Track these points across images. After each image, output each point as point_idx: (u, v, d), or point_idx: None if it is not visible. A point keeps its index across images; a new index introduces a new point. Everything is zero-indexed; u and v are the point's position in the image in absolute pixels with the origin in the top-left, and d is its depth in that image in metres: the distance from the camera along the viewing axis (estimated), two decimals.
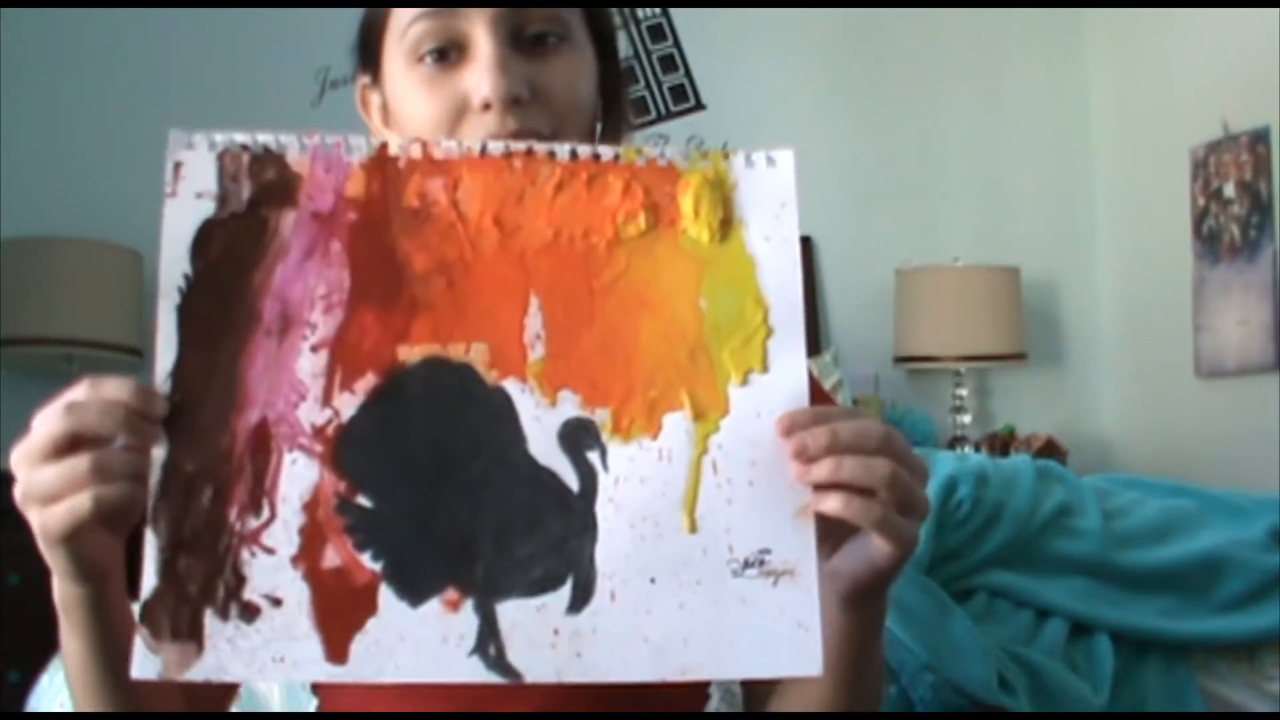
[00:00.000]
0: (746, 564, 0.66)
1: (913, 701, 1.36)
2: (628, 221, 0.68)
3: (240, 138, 0.68)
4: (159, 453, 0.65)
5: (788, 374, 0.68)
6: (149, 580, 0.64)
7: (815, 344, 3.42)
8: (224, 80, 3.12)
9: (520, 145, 0.69)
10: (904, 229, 3.57)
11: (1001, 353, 3.38)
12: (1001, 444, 3.34)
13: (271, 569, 0.65)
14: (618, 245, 0.68)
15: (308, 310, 0.67)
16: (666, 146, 0.69)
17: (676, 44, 3.47)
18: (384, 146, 0.68)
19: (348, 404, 0.66)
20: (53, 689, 1.31)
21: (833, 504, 0.65)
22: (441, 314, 0.67)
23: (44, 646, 1.39)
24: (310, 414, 0.66)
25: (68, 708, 1.24)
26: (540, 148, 0.69)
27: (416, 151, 0.68)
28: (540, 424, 0.66)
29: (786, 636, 0.65)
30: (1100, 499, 1.67)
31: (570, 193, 0.68)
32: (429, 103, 0.82)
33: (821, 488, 0.66)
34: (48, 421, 0.65)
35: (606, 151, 0.69)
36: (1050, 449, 3.25)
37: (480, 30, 0.81)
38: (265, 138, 0.68)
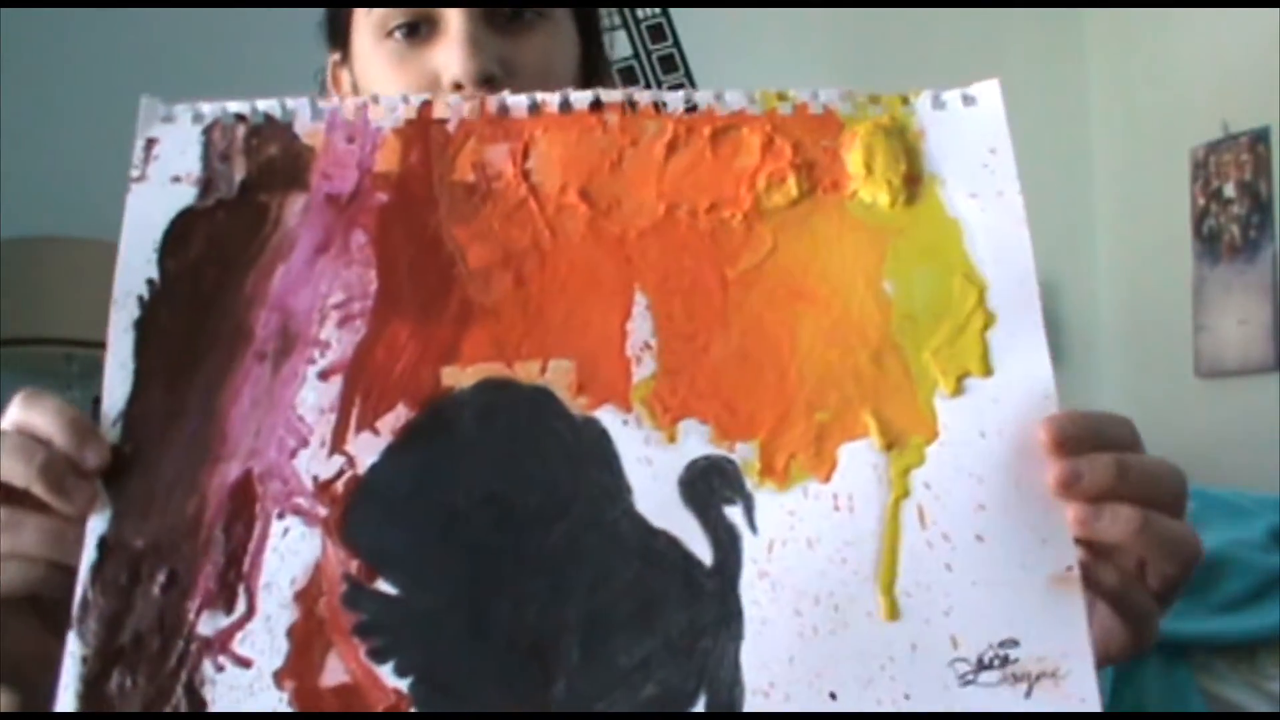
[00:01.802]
0: (981, 664, 0.44)
1: None
2: (773, 187, 0.51)
3: (235, 106, 0.55)
4: (96, 523, 0.48)
5: (1024, 374, 0.49)
6: (64, 703, 0.47)
7: None
8: (224, 80, 3.12)
9: (615, 95, 0.52)
10: None
11: None
12: None
13: (245, 689, 0.45)
14: (759, 219, 0.51)
15: (317, 324, 0.50)
16: (820, 89, 0.53)
17: (676, 44, 3.46)
18: (427, 105, 0.53)
19: (368, 447, 0.48)
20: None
21: (1109, 577, 0.46)
22: (506, 322, 0.49)
23: None
24: (313, 464, 0.48)
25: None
26: (643, 97, 0.52)
27: (471, 110, 0.52)
28: (653, 468, 0.47)
29: None
30: None
31: (689, 154, 0.52)
32: (397, 82, 0.77)
33: (1093, 545, 0.47)
34: None
35: (736, 97, 0.52)
36: None
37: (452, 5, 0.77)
38: (268, 104, 0.55)
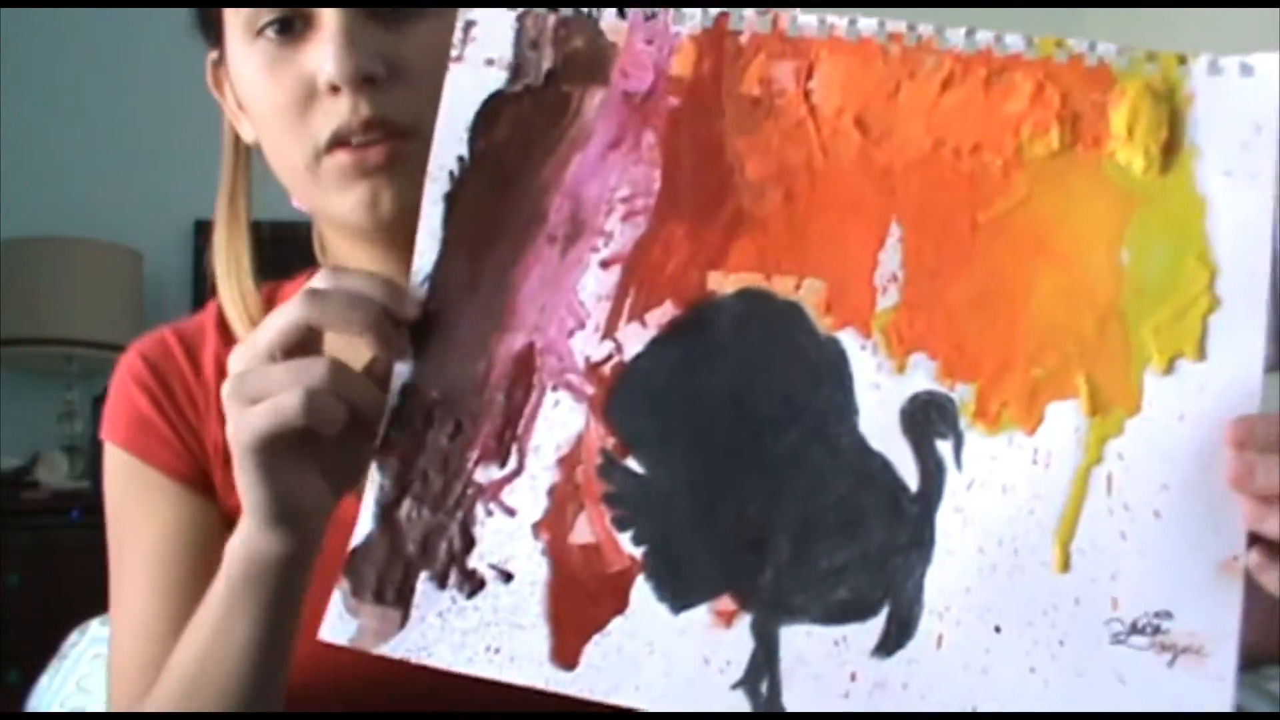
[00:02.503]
0: (1134, 628, 0.48)
1: None
2: (1036, 136, 0.52)
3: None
4: (401, 369, 0.54)
5: (1234, 365, 0.49)
6: (364, 525, 0.54)
7: None
8: None
9: (898, 25, 0.53)
10: None
11: None
12: None
13: (508, 534, 0.53)
14: (1018, 167, 0.51)
15: (604, 215, 0.54)
16: (1098, 42, 0.53)
17: None
18: (724, 15, 0.54)
19: (635, 338, 0.53)
20: (52, 689, 1.31)
21: (1275, 575, 0.47)
22: (772, 235, 0.52)
23: (44, 646, 1.40)
24: (587, 345, 0.53)
25: (68, 708, 1.24)
26: (925, 29, 0.53)
27: (764, 25, 0.54)
28: (880, 393, 0.51)
29: None
30: None
31: (961, 93, 0.52)
32: (272, 86, 0.69)
33: (1266, 543, 0.47)
34: (280, 313, 0.54)
35: (1015, 40, 0.54)
36: None
37: None
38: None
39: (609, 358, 0.53)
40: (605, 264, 0.54)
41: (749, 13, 0.54)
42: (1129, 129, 0.51)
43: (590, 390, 0.53)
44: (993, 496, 0.50)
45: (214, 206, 0.83)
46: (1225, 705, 0.47)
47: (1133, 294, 0.50)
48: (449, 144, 0.55)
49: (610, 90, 0.55)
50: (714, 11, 0.55)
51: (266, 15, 0.69)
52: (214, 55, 0.78)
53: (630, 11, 0.55)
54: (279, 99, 0.69)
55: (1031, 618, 0.49)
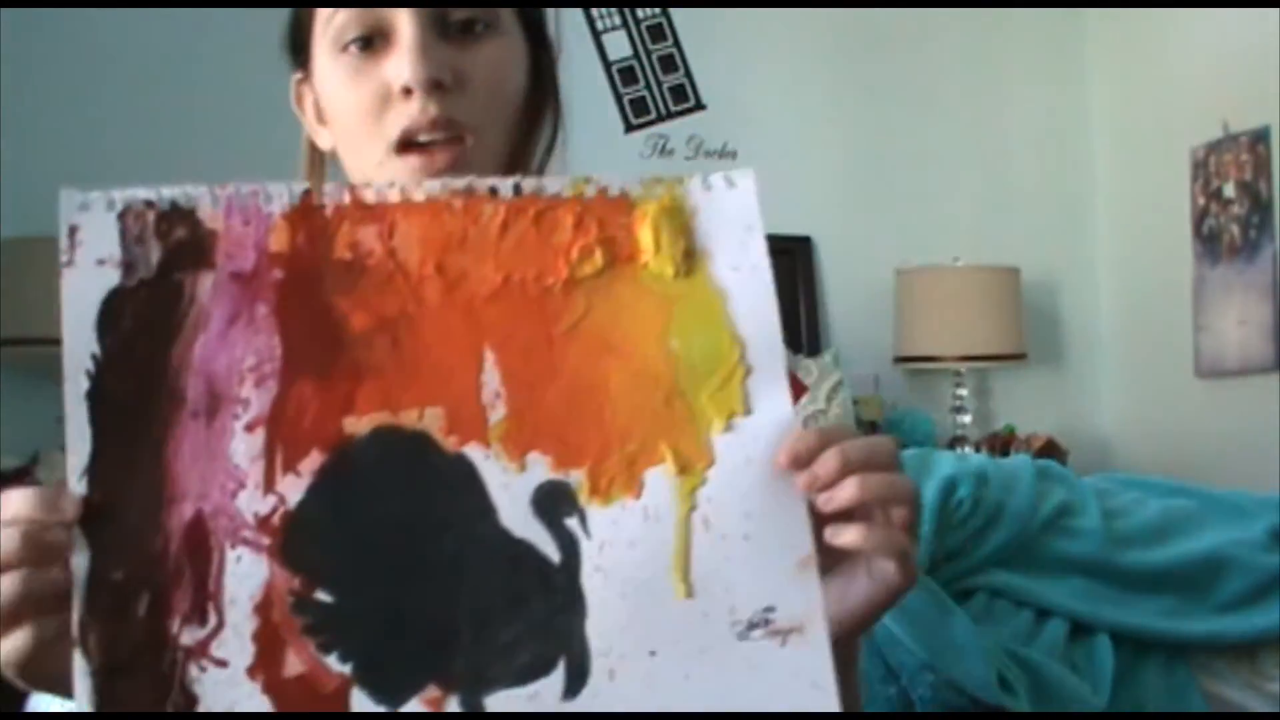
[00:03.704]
0: (751, 625, 0.60)
1: (913, 701, 1.36)
2: (583, 259, 0.62)
3: (143, 193, 0.61)
4: (81, 561, 0.57)
5: (773, 414, 0.62)
6: (84, 707, 0.57)
7: (815, 344, 3.42)
8: (224, 80, 3.12)
9: (459, 183, 0.63)
10: (904, 229, 3.57)
11: (1001, 353, 3.38)
12: (1002, 444, 3.34)
13: (225, 684, 0.57)
14: (575, 286, 0.62)
15: (237, 385, 0.60)
16: (615, 177, 0.64)
17: (676, 44, 3.47)
18: (308, 194, 0.62)
19: (293, 488, 0.59)
20: None
21: (851, 536, 0.62)
22: (389, 378, 0.61)
23: None
24: (251, 503, 0.59)
25: (68, 708, 1.24)
26: (480, 184, 0.63)
27: (344, 196, 0.62)
28: (510, 492, 0.60)
29: (802, 699, 0.60)
30: (1100, 499, 1.67)
31: (517, 232, 0.62)
32: (354, 93, 0.81)
33: (837, 519, 0.62)
34: None
35: (552, 184, 0.64)
36: (1050, 449, 3.25)
37: (403, 17, 0.80)
38: (172, 192, 0.61)
39: (275, 509, 0.59)
40: (249, 428, 0.60)
41: (328, 187, 0.62)
42: (655, 243, 0.63)
43: (266, 541, 0.59)
44: (621, 552, 0.61)
45: None
46: (827, 665, 0.60)
47: (686, 373, 0.62)
48: (79, 345, 0.59)
49: (218, 273, 0.61)
50: (298, 189, 0.62)
51: (351, 32, 0.81)
52: (298, 75, 0.90)
53: (222, 198, 0.61)
54: (359, 103, 0.81)
55: (675, 638, 0.60)
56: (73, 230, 0.60)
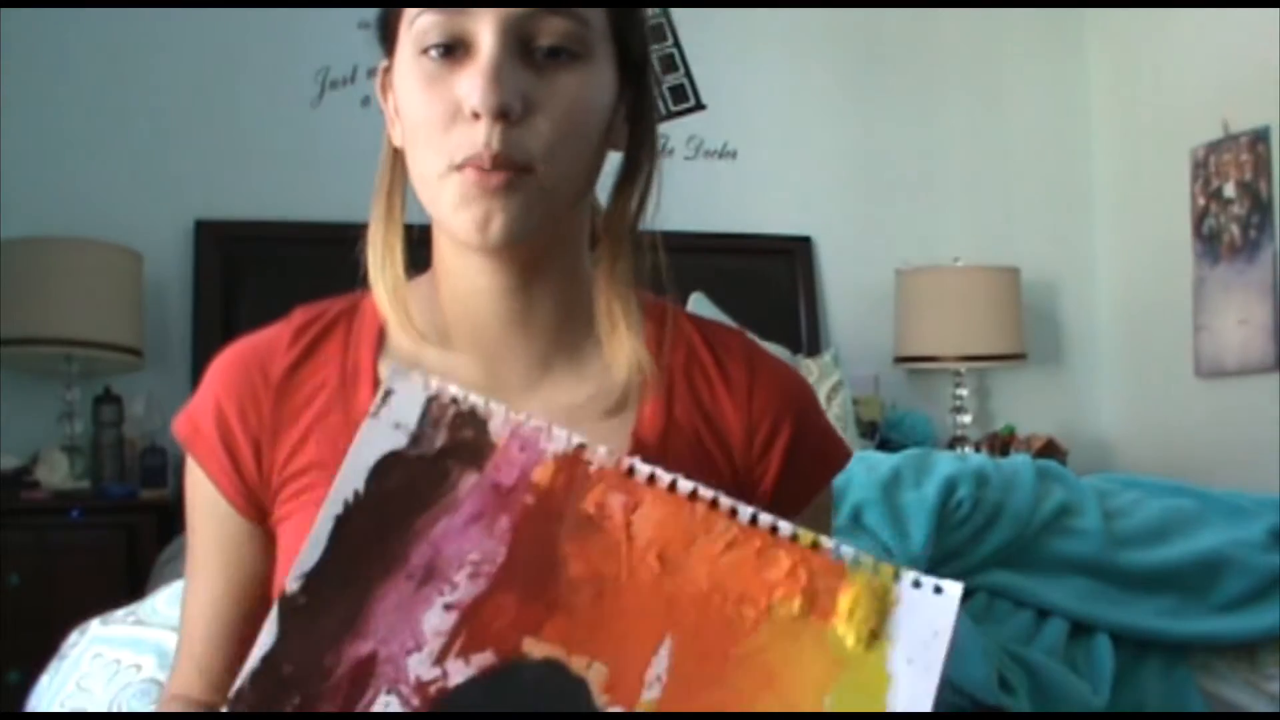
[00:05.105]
0: None
1: None
2: (784, 601, 0.67)
3: (454, 390, 0.69)
4: (265, 639, 0.64)
5: None
6: None
7: (815, 344, 3.42)
8: (224, 80, 3.12)
9: (708, 493, 0.69)
10: (904, 229, 3.58)
11: (1001, 353, 3.39)
12: (1001, 444, 3.34)
13: None
14: (766, 620, 0.67)
15: (455, 570, 0.67)
16: (843, 544, 0.68)
17: (676, 44, 3.47)
18: (582, 447, 0.69)
19: (458, 671, 0.65)
20: (52, 689, 1.31)
21: None
22: (578, 623, 0.66)
23: (44, 646, 1.40)
24: (420, 666, 0.65)
25: (68, 708, 1.24)
26: (725, 503, 0.68)
27: (610, 462, 0.68)
28: None
29: None
30: (1100, 499, 1.67)
31: (738, 555, 0.68)
32: (427, 103, 0.79)
33: None
34: None
35: (786, 527, 0.68)
36: (1050, 449, 3.25)
37: (486, 32, 0.78)
38: (476, 399, 0.69)
39: (435, 680, 0.65)
40: (448, 607, 0.66)
41: (602, 450, 0.68)
42: (850, 613, 0.67)
43: (416, 702, 0.65)
44: None
45: (370, 204, 0.88)
46: None
47: None
48: (350, 479, 0.67)
49: (483, 477, 0.68)
50: (576, 441, 0.68)
51: (433, 37, 0.79)
52: (385, 64, 0.87)
53: (512, 422, 0.68)
54: (429, 113, 0.79)
55: None
56: (388, 393, 0.69)
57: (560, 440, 0.68)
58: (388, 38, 0.85)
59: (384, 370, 0.81)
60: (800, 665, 0.66)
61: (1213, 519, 1.67)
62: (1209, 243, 3.31)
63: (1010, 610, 1.52)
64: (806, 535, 0.68)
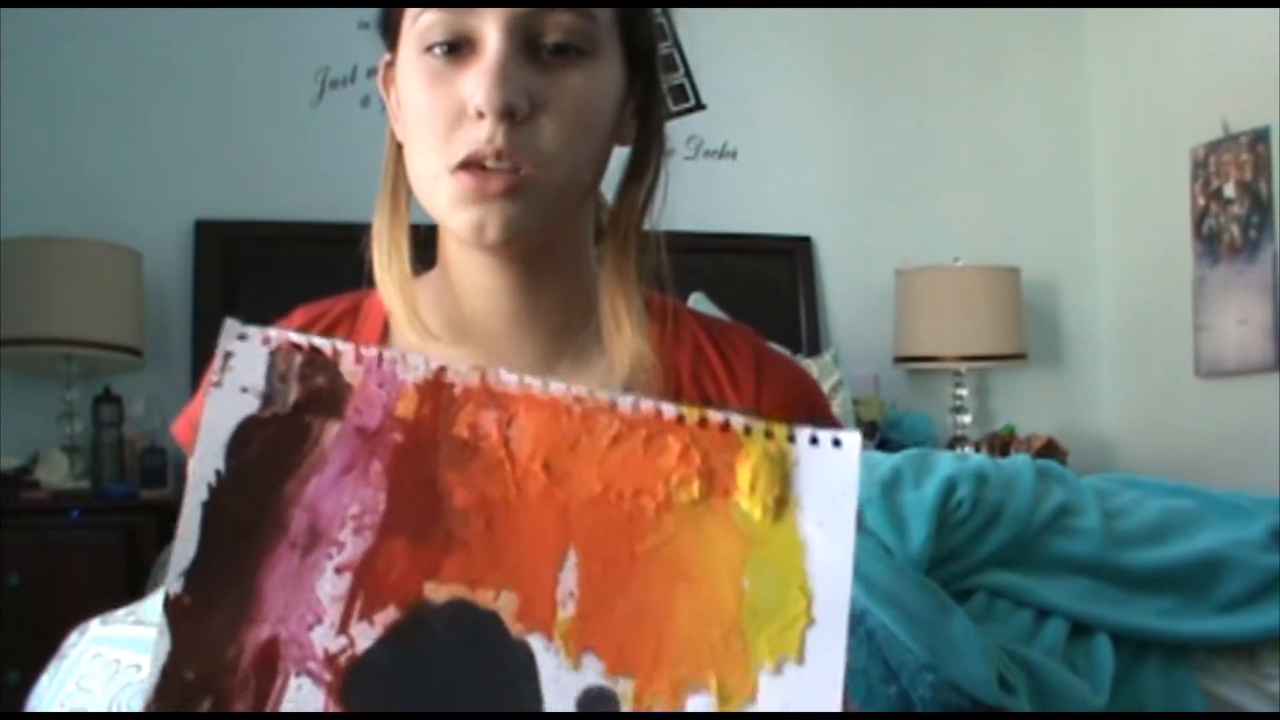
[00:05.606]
0: None
1: (913, 701, 1.36)
2: (681, 486, 0.64)
3: (296, 337, 0.65)
4: (161, 652, 0.62)
5: (824, 668, 0.63)
6: None
7: (815, 344, 3.42)
8: (224, 80, 3.12)
9: (582, 390, 0.66)
10: (904, 229, 3.58)
11: (1001, 353, 3.39)
12: (1001, 444, 3.34)
13: None
14: (667, 510, 0.64)
15: (337, 528, 0.63)
16: (732, 412, 0.66)
17: (676, 44, 3.47)
18: (442, 370, 0.65)
19: (364, 635, 0.62)
20: (52, 689, 1.31)
21: None
22: (475, 555, 0.64)
23: (44, 646, 1.40)
24: (325, 639, 0.62)
25: (68, 708, 1.24)
26: (602, 396, 0.65)
27: (474, 379, 0.65)
28: (559, 686, 0.62)
29: None
30: (1100, 499, 1.67)
31: (626, 448, 0.65)
32: (431, 102, 0.78)
33: None
34: None
35: (669, 409, 0.65)
36: (1050, 449, 3.25)
37: (491, 30, 0.76)
38: (322, 342, 0.65)
39: (343, 650, 0.62)
40: (339, 570, 0.63)
41: (462, 368, 0.65)
42: (751, 485, 0.64)
43: (328, 678, 0.62)
44: None
45: (372, 202, 0.87)
46: None
47: (750, 613, 0.64)
48: (208, 459, 0.64)
49: (345, 423, 0.65)
50: (434, 364, 0.65)
51: (437, 34, 0.77)
52: (387, 58, 0.85)
53: (366, 358, 0.65)
54: (432, 111, 0.78)
55: None
56: (227, 356, 0.64)
57: (417, 367, 0.65)
58: (390, 33, 0.84)
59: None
60: (710, 549, 0.64)
61: (1213, 519, 1.68)
62: (1209, 243, 3.31)
63: (1010, 610, 1.52)
64: (693, 412, 0.65)
